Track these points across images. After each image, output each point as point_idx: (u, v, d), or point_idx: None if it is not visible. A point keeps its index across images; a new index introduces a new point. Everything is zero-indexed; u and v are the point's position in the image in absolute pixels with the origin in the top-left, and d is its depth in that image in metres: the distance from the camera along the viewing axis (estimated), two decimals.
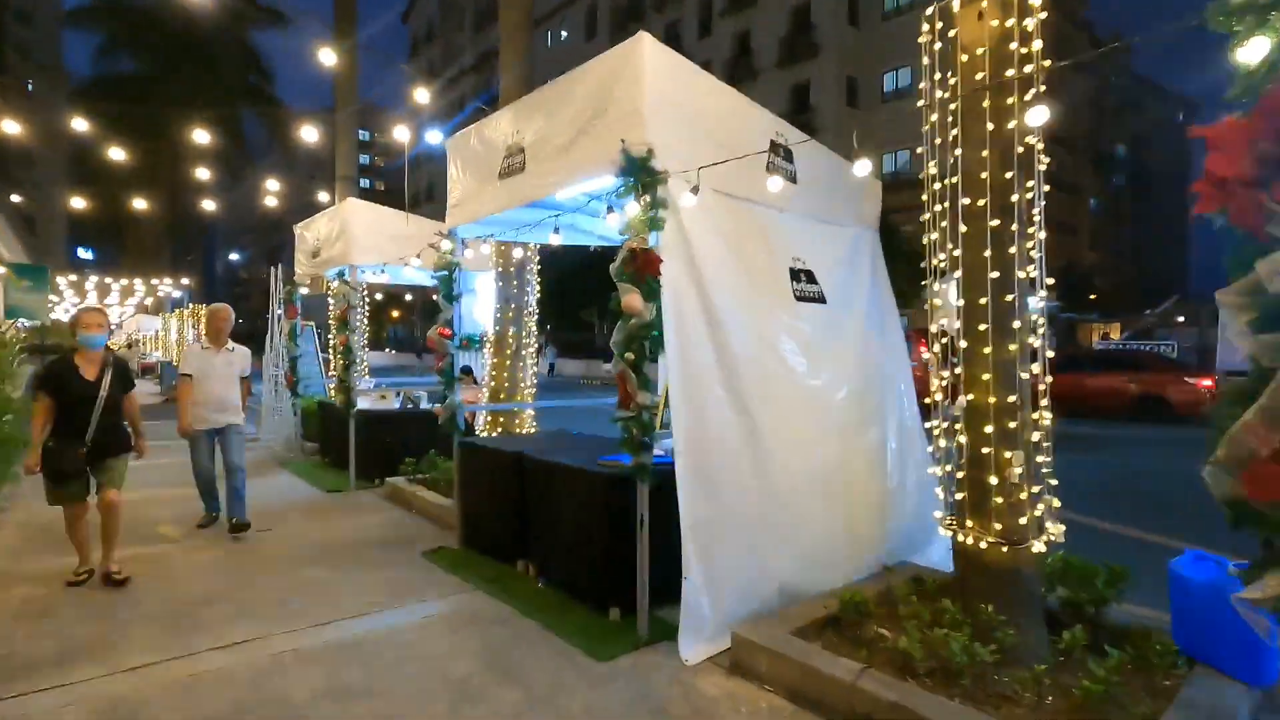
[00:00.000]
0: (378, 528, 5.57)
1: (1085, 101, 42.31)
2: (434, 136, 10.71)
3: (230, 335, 5.57)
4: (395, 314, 53.85)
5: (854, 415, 4.20)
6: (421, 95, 7.15)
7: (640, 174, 3.22)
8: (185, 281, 26.65)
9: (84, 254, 40.75)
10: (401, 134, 7.52)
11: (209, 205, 17.57)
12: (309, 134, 9.86)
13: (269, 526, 5.47)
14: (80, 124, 10.47)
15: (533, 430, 7.12)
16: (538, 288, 6.80)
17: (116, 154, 11.80)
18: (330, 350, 9.32)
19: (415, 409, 7.80)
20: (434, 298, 5.16)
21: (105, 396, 4.12)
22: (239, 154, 29.59)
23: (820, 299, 4.20)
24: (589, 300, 30.28)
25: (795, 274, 4.07)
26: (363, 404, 7.44)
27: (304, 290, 8.87)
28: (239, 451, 5.39)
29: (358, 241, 7.00)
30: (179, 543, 5.10)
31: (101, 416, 4.10)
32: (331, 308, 8.02)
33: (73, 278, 25.49)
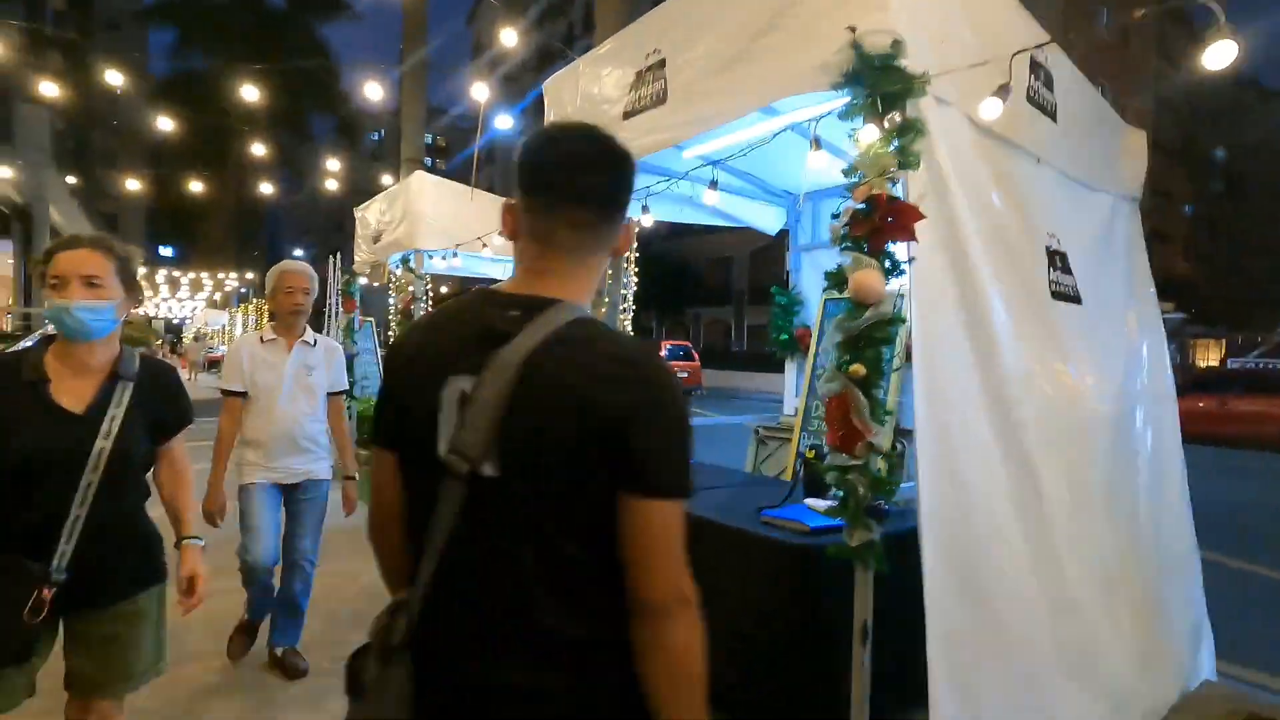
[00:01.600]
0: None
1: (1181, 102, 39.18)
2: (504, 121, 9.63)
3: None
4: None
5: (1129, 470, 2.90)
6: (509, 36, 6.11)
7: (883, 80, 2.00)
8: (249, 276, 26.61)
9: (165, 251, 42.03)
10: (479, 92, 6.52)
11: (273, 197, 17.27)
12: (374, 117, 9.05)
13: None
14: (165, 123, 10.01)
15: None
16: (635, 278, 5.63)
17: (188, 151, 11.41)
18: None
19: None
20: None
21: (110, 452, 1.71)
22: (305, 149, 29.67)
23: (1075, 297, 2.90)
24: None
25: (1051, 257, 2.79)
26: None
27: (363, 281, 7.97)
28: (315, 528, 3.22)
29: (424, 222, 5.99)
30: None
31: (96, 502, 1.69)
32: (393, 300, 7.07)
33: (143, 270, 25.73)
